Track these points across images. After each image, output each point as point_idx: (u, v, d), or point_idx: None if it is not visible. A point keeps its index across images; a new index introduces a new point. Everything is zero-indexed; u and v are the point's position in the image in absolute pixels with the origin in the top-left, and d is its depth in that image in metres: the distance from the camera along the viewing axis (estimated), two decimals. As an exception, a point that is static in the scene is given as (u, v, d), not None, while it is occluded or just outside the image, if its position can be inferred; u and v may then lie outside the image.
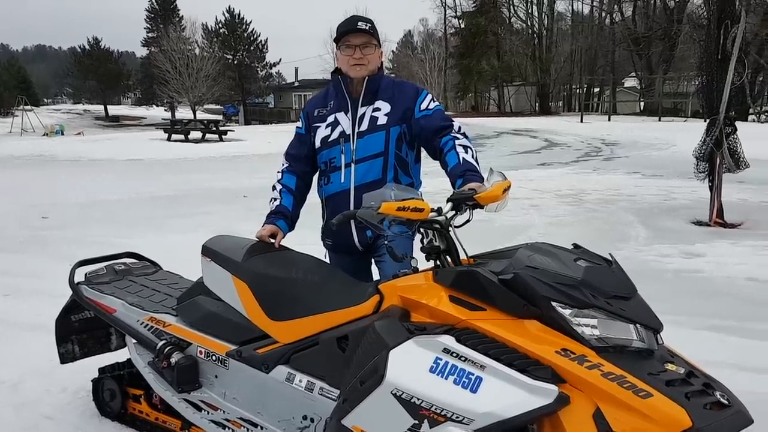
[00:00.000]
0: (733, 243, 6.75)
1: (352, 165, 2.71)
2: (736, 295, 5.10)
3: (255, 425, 2.38)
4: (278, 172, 2.90)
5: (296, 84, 52.03)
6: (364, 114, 2.73)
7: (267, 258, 2.52)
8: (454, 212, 2.29)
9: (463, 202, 2.29)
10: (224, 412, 2.48)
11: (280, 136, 22.15)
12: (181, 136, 23.21)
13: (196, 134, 23.50)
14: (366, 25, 2.68)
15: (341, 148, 2.73)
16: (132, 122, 51.48)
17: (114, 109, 61.50)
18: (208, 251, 2.61)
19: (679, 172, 10.82)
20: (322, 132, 2.78)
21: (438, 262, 2.23)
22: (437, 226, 2.22)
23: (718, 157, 7.47)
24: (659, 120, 27.44)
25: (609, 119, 29.14)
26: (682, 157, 8.39)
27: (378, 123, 2.71)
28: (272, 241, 2.70)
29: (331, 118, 2.77)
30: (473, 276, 1.96)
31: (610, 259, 2.03)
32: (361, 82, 2.71)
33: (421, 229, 2.23)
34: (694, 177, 8.03)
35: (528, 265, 1.93)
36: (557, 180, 11.88)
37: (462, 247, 2.27)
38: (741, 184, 9.94)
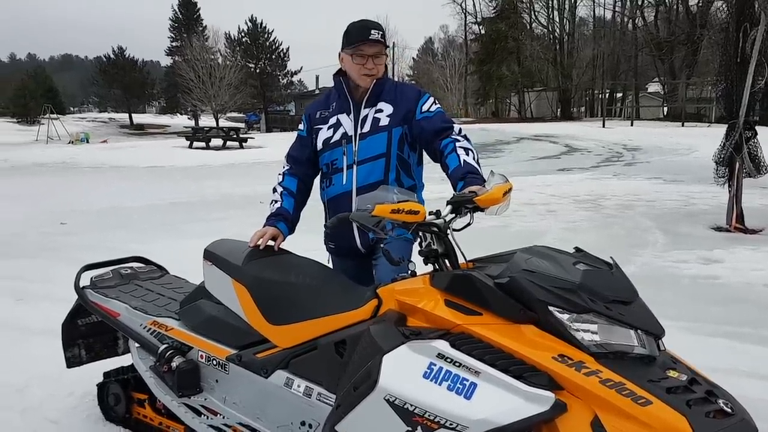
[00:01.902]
0: (753, 249, 6.62)
1: (354, 166, 2.70)
2: (754, 302, 4.99)
3: (254, 430, 2.37)
4: (279, 174, 2.89)
5: (317, 92, 52.20)
6: (366, 116, 2.72)
7: (267, 262, 2.50)
8: (453, 215, 2.26)
9: (462, 205, 2.26)
10: (224, 417, 2.46)
11: (299, 142, 22.30)
12: (203, 144, 23.44)
13: (217, 142, 23.72)
14: (379, 34, 2.66)
15: (343, 150, 2.72)
16: (156, 130, 52.09)
17: (139, 118, 62.33)
18: (209, 255, 2.61)
19: (700, 177, 10.66)
20: (324, 134, 2.77)
21: (436, 266, 2.20)
22: (435, 229, 2.19)
23: (738, 162, 7.34)
24: (682, 125, 27.10)
25: (632, 124, 28.86)
26: (704, 162, 8.26)
27: (380, 124, 2.70)
28: (272, 243, 2.68)
29: (333, 120, 2.76)
30: (469, 280, 1.93)
31: (611, 262, 1.98)
32: (367, 87, 2.71)
33: (420, 233, 2.20)
34: (714, 182, 7.90)
35: (525, 268, 1.88)
36: (576, 185, 11.76)
37: (461, 250, 2.23)
38: (764, 189, 9.75)
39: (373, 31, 2.64)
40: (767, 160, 7.54)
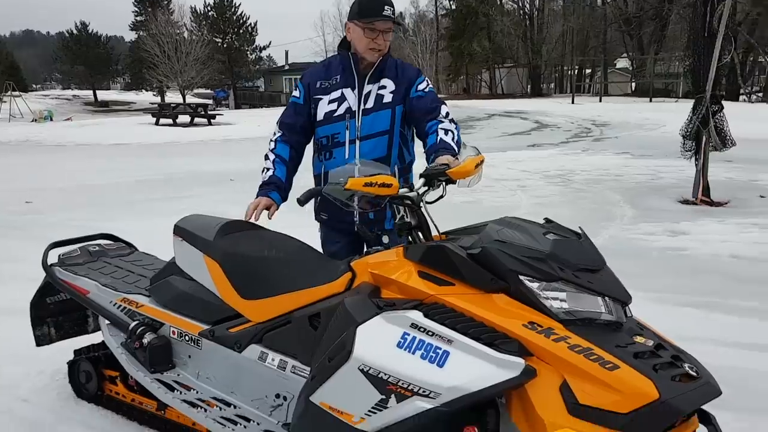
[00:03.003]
0: (719, 221, 6.77)
1: (357, 142, 2.72)
2: (720, 272, 5.12)
3: (228, 404, 2.37)
4: (271, 141, 2.86)
5: (287, 67, 51.65)
6: (369, 92, 2.73)
7: (239, 237, 2.49)
8: (426, 188, 2.27)
9: (435, 177, 2.28)
10: (197, 392, 2.46)
11: (271, 119, 22.02)
12: (170, 121, 23.04)
13: (184, 118, 23.32)
14: (391, 11, 2.65)
15: (346, 124, 2.72)
16: (121, 107, 50.98)
17: (103, 95, 60.90)
18: (179, 230, 2.58)
19: (668, 152, 10.82)
20: (325, 106, 2.75)
21: (410, 239, 2.22)
22: (408, 202, 2.20)
23: (704, 136, 7.47)
24: (650, 101, 27.41)
25: (600, 100, 29.09)
26: (672, 137, 8.41)
27: (384, 101, 2.72)
28: (267, 213, 2.69)
29: (336, 93, 2.74)
30: (442, 251, 1.94)
31: (580, 232, 2.01)
32: (373, 62, 2.72)
33: (393, 206, 2.21)
34: (681, 156, 8.04)
35: (497, 239, 1.91)
36: (546, 161, 11.86)
37: (434, 223, 2.25)
38: (729, 163, 9.96)
39: (386, 7, 2.63)
40: (733, 133, 7.69)
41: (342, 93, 2.74)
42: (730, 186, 8.55)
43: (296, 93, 2.86)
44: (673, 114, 16.37)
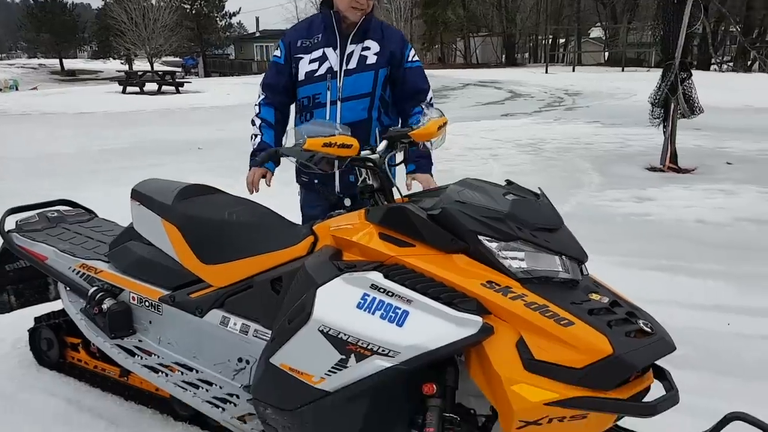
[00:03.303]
0: (685, 187, 6.88)
1: (339, 103, 2.68)
2: (685, 237, 5.21)
3: (190, 369, 2.35)
4: (255, 105, 2.83)
5: (257, 34, 50.77)
6: (352, 52, 2.68)
7: (198, 201, 2.44)
8: (388, 150, 2.25)
9: (398, 140, 2.26)
10: (159, 357, 2.44)
11: (240, 88, 21.70)
12: (137, 89, 22.55)
13: (152, 86, 22.84)
14: None
15: (327, 84, 2.68)
16: (88, 76, 49.70)
17: (70, 63, 59.32)
18: (137, 195, 2.53)
19: (638, 120, 10.90)
20: (306, 65, 2.71)
21: (373, 202, 2.20)
22: (370, 164, 2.18)
23: (672, 103, 7.53)
24: (623, 70, 27.58)
25: (573, 70, 29.20)
26: (642, 106, 8.46)
27: (367, 63, 2.69)
28: (264, 181, 2.70)
29: (318, 53, 2.70)
30: (402, 212, 1.93)
31: (539, 192, 2.01)
32: (355, 21, 2.66)
33: (356, 168, 2.20)
34: (650, 124, 8.11)
35: (457, 200, 1.90)
36: (518, 130, 11.89)
37: (396, 186, 2.24)
38: (697, 131, 10.08)
39: None
40: (703, 102, 7.77)
41: (323, 52, 2.69)
42: (698, 153, 8.66)
43: (277, 53, 2.81)
44: (645, 83, 16.47)
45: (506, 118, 14.08)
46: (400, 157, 2.43)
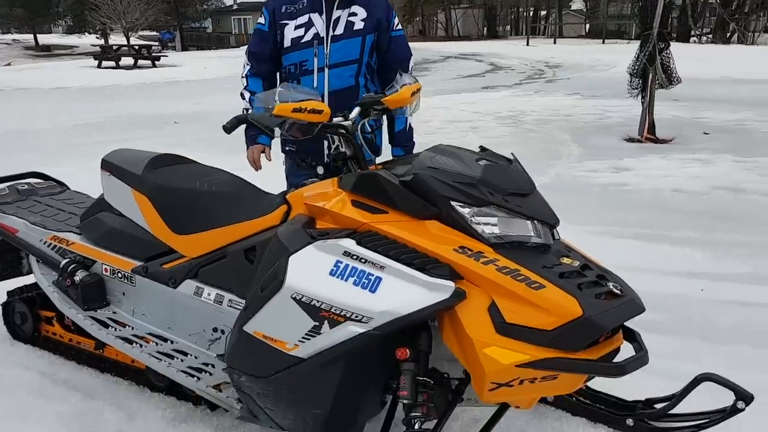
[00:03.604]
0: (662, 157, 6.93)
1: (326, 69, 2.65)
2: (661, 206, 5.26)
3: (165, 340, 2.34)
4: (242, 77, 2.80)
5: (235, 7, 49.82)
6: (339, 18, 2.65)
7: (169, 171, 2.40)
8: (361, 117, 2.23)
9: (370, 106, 2.24)
10: (133, 328, 2.42)
11: (217, 62, 21.39)
12: (112, 63, 22.15)
13: (128, 61, 22.44)
14: None
15: (314, 51, 2.64)
16: (64, 51, 48.53)
17: (44, 38, 57.80)
18: (107, 165, 2.48)
19: (617, 92, 10.91)
20: (292, 31, 2.66)
21: (346, 170, 2.18)
22: (343, 131, 2.16)
23: (650, 73, 7.55)
24: (603, 42, 27.62)
25: (554, 42, 29.17)
26: (622, 77, 8.48)
27: (354, 28, 2.65)
28: (264, 156, 2.72)
29: (303, 18, 2.65)
30: (375, 179, 1.92)
31: (511, 158, 2.01)
32: None
33: (329, 135, 2.18)
34: (628, 94, 8.13)
35: (429, 166, 1.89)
36: (499, 102, 11.87)
37: (370, 153, 2.22)
38: (675, 102, 10.13)
39: None
40: (681, 73, 7.80)
41: (309, 18, 2.65)
42: (676, 123, 8.72)
43: (261, 20, 2.76)
44: (625, 55, 16.47)
45: (487, 91, 14.04)
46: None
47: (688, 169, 6.37)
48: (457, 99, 12.25)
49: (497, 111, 10.69)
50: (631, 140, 7.88)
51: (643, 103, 7.81)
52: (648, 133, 7.75)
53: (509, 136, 8.56)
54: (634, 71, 7.72)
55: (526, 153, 7.22)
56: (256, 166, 2.76)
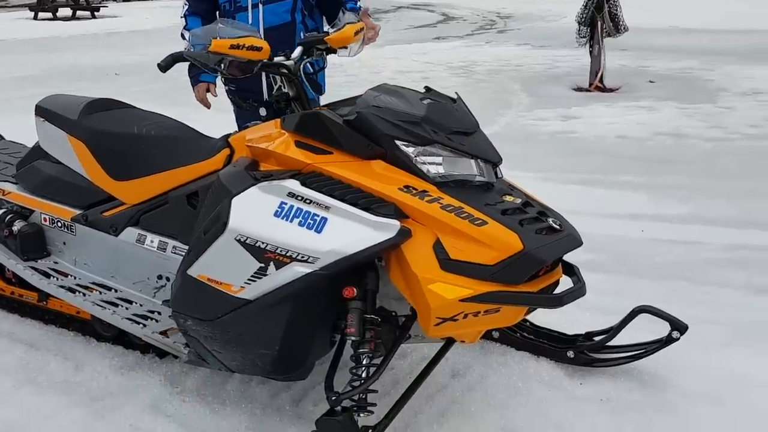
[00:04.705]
0: (608, 105, 7.05)
1: (260, 6, 2.59)
2: (605, 152, 5.38)
3: (109, 288, 2.30)
4: (181, 17, 2.75)
5: (180, -44, 47.87)
6: None
7: (105, 115, 2.33)
8: (304, 57, 2.19)
9: (313, 45, 2.19)
10: (76, 278, 2.37)
11: (161, 11, 20.55)
12: (49, 15, 21.05)
13: (65, 12, 21.38)
14: None
15: None
16: (-5, 1, 46.03)
17: (-28, -13, 54.66)
18: (41, 111, 2.39)
19: (566, 42, 10.97)
20: None
21: (289, 111, 2.15)
22: (285, 71, 2.12)
23: (599, 22, 7.60)
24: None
25: (506, -7, 28.86)
26: (571, 28, 8.51)
27: None
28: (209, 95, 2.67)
29: None
30: (318, 118, 1.90)
31: (455, 97, 2.01)
32: None
33: (270, 76, 2.13)
34: (576, 43, 8.19)
35: (373, 104, 1.88)
36: (450, 53, 11.79)
37: (313, 93, 2.19)
38: (623, 51, 10.24)
39: None
40: (628, 22, 7.87)
41: None
42: (623, 72, 8.84)
43: None
44: (574, 5, 16.50)
45: (438, 42, 13.92)
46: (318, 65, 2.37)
47: (633, 117, 6.50)
48: (409, 49, 12.12)
49: (449, 61, 10.63)
50: (579, 89, 7.98)
51: (591, 52, 7.87)
52: (597, 82, 7.84)
53: (461, 86, 8.52)
54: (582, 20, 7.76)
55: (477, 103, 7.19)
56: (205, 104, 2.73)
